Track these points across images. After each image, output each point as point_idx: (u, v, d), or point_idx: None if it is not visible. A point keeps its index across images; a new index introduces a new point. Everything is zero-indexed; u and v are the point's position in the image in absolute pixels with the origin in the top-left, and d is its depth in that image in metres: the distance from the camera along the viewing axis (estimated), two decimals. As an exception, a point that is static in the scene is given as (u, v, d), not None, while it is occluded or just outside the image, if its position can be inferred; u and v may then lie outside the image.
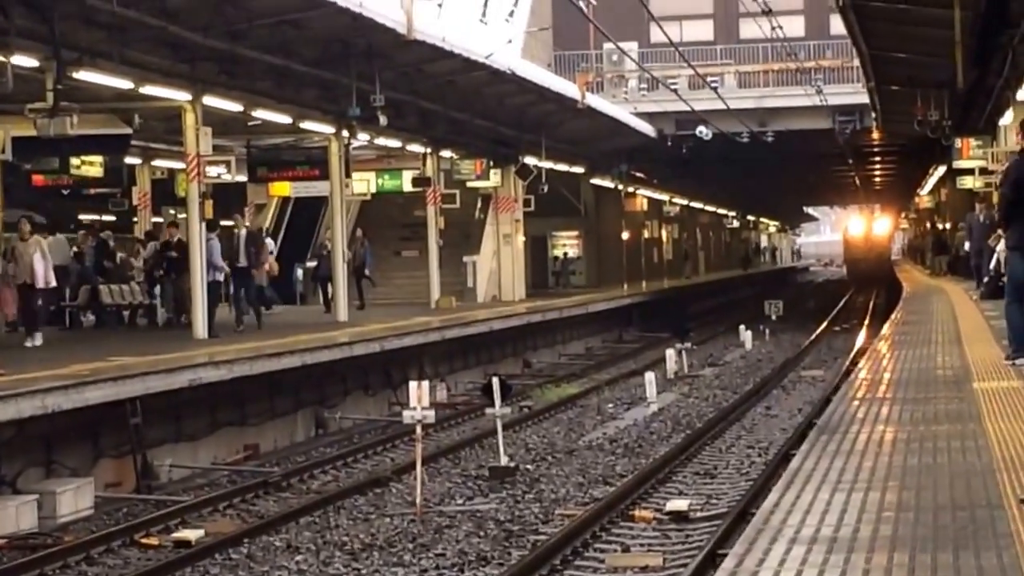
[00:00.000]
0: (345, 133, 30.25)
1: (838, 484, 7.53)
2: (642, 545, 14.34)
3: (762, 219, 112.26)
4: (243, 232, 28.54)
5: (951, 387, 12.64)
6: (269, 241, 33.00)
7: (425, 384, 17.19)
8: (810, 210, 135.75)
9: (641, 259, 61.65)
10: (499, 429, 19.12)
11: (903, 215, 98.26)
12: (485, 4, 37.04)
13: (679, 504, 15.97)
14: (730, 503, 16.26)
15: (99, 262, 30.80)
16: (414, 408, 16.77)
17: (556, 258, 55.31)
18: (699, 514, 15.70)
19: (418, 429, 16.95)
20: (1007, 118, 30.59)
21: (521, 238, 43.46)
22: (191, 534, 15.40)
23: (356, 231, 36.74)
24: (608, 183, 53.14)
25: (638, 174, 54.78)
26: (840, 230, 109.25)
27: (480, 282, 42.06)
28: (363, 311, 33.90)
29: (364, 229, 38.20)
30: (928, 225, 65.31)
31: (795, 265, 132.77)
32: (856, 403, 11.80)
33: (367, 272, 36.48)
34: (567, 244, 55.97)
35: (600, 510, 15.61)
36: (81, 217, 42.70)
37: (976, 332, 19.67)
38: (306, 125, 29.70)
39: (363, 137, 32.27)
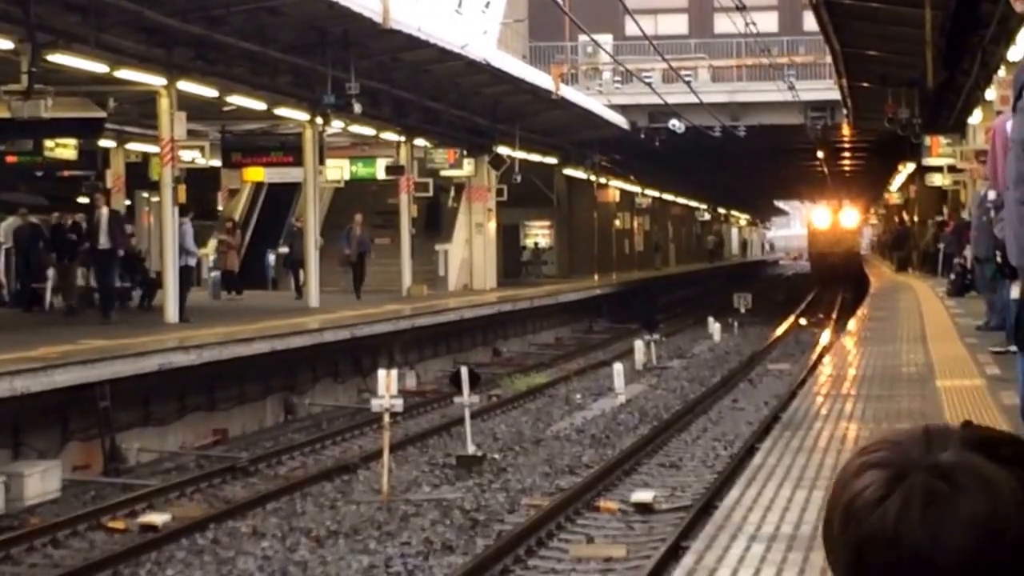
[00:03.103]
0: (319, 120, 30.28)
1: (800, 481, 7.65)
2: (606, 536, 14.45)
3: (733, 212, 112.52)
4: (104, 211, 25.79)
5: (914, 385, 12.78)
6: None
7: (394, 373, 17.29)
8: (781, 204, 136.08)
9: (612, 250, 61.78)
10: (467, 418, 19.22)
11: (873, 210, 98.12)
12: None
13: (644, 495, 16.08)
14: (695, 495, 16.37)
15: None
16: (382, 396, 16.85)
17: (525, 247, 55.37)
18: (664, 506, 15.81)
19: (386, 417, 17.04)
20: (976, 117, 30.82)
21: (492, 225, 43.53)
22: (158, 518, 15.46)
23: (356, 216, 36.00)
24: (581, 174, 53.26)
25: (611, 165, 54.89)
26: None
27: (451, 271, 42.13)
28: (335, 298, 33.84)
29: (336, 216, 38.18)
30: (897, 220, 65.49)
31: (765, 259, 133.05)
32: (820, 399, 11.94)
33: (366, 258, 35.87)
34: (539, 234, 56.05)
35: (566, 500, 15.71)
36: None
37: (941, 330, 19.83)
38: (281, 112, 29.74)
39: (337, 124, 32.30)
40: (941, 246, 37.21)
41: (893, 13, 25.45)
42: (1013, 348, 16.05)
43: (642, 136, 48.56)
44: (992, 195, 12.47)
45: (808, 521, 6.54)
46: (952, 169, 37.86)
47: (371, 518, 15.46)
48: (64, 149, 27.72)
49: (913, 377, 13.57)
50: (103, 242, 25.24)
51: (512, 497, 16.65)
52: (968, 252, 23.42)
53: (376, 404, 17.15)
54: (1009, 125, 8.30)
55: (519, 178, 43.37)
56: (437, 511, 15.78)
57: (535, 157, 46.02)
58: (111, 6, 21.32)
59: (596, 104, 45.49)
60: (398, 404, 17.24)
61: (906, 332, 20.22)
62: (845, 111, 43.46)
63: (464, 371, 19.02)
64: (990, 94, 27.36)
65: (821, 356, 28.61)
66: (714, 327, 40.13)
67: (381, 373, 17.16)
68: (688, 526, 13.79)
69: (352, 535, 14.62)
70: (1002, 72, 24.54)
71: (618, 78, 49.29)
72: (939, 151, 37.15)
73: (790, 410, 11.46)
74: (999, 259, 8.62)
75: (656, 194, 69.16)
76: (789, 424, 10.21)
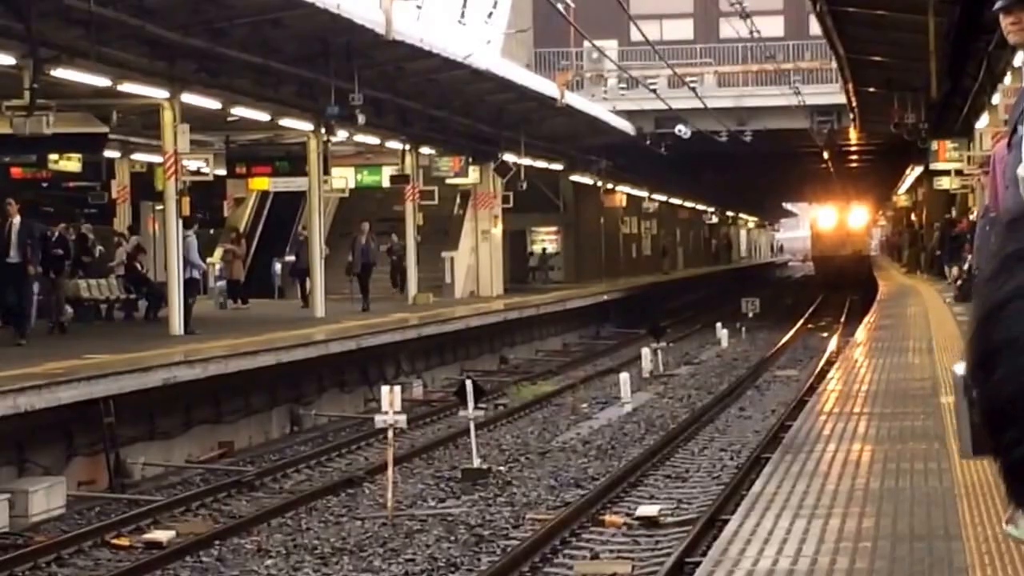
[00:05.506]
0: (324, 131, 30.26)
1: (799, 510, 7.59)
2: (611, 551, 14.39)
3: (741, 215, 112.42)
4: (16, 221, 23.32)
5: (919, 402, 12.72)
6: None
7: (397, 389, 17.23)
8: (789, 206, 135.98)
9: (620, 255, 61.76)
10: (472, 432, 19.16)
11: (880, 212, 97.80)
12: (464, 6, 37.12)
13: (649, 509, 16.01)
14: (701, 508, 16.31)
15: (78, 256, 30.68)
16: (386, 412, 16.81)
17: (532, 253, 55.41)
18: (669, 519, 15.74)
19: (390, 434, 17.00)
20: (983, 122, 30.78)
21: (495, 231, 43.47)
22: (162, 535, 15.42)
23: (362, 224, 35.54)
24: (587, 180, 53.24)
25: (617, 170, 54.84)
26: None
27: (458, 278, 42.11)
28: (341, 306, 33.79)
29: (341, 225, 38.11)
30: (905, 223, 65.34)
31: (774, 260, 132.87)
32: (823, 418, 11.88)
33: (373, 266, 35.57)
34: (546, 240, 56.06)
35: (571, 515, 15.66)
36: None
37: (948, 339, 19.76)
38: (285, 122, 29.72)
39: (342, 134, 32.29)
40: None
41: (897, 20, 25.40)
42: None
43: (648, 142, 48.55)
44: None
45: (806, 554, 6.50)
46: (960, 173, 37.81)
47: (376, 535, 15.41)
48: (69, 161, 27.72)
49: (919, 392, 13.51)
50: (13, 256, 23.20)
51: (517, 511, 16.60)
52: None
53: (380, 420, 17.12)
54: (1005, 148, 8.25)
55: (524, 185, 43.36)
56: (442, 527, 15.72)
57: (541, 163, 46.00)
58: (113, 20, 21.29)
59: (601, 110, 45.49)
60: (402, 420, 17.17)
61: (913, 342, 20.15)
62: (851, 115, 43.41)
63: (469, 384, 18.97)
64: (996, 99, 27.32)
65: (829, 362, 28.59)
66: (721, 333, 40.09)
67: (384, 390, 17.12)
68: (693, 541, 13.74)
69: (357, 552, 14.58)
70: (1008, 78, 24.49)
71: (623, 84, 49.26)
72: (946, 155, 37.11)
73: (793, 430, 11.41)
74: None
75: (663, 198, 69.09)
76: (791, 446, 10.16)
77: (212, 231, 40.24)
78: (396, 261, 38.19)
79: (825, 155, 60.57)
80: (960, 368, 2.84)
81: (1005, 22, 5.98)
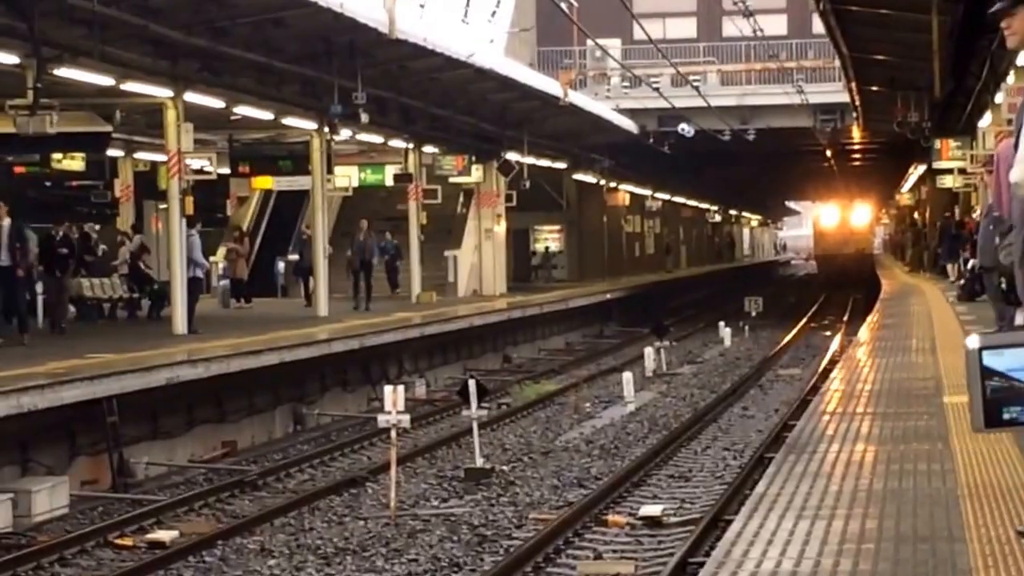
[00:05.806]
0: (327, 130, 30.26)
1: (802, 511, 7.59)
2: (615, 551, 14.39)
3: (744, 213, 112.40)
4: (5, 224, 22.92)
5: (922, 401, 12.70)
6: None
7: (400, 389, 17.22)
8: (792, 204, 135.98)
9: (623, 253, 61.77)
10: (475, 432, 19.17)
11: (883, 211, 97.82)
12: (467, 5, 37.21)
13: (653, 509, 16.01)
14: (704, 508, 16.30)
15: (81, 255, 30.65)
16: (389, 412, 16.81)
17: (535, 252, 55.42)
18: (673, 519, 15.73)
19: (393, 434, 16.99)
20: (985, 120, 30.78)
21: (498, 230, 43.45)
22: (165, 535, 15.42)
23: (361, 222, 35.47)
24: (590, 178, 53.25)
25: (620, 169, 54.85)
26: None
27: (461, 276, 42.12)
28: (344, 305, 33.78)
29: (345, 224, 38.07)
30: (909, 222, 65.30)
31: (777, 259, 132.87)
32: (827, 418, 11.87)
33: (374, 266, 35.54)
34: (549, 238, 56.08)
35: (574, 514, 15.66)
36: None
37: (950, 338, 19.74)
38: (288, 121, 29.72)
39: (345, 133, 32.31)
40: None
41: (901, 19, 25.41)
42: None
43: (651, 140, 48.54)
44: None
45: (810, 556, 6.50)
46: (963, 171, 37.84)
47: (379, 534, 15.41)
48: (72, 160, 27.74)
49: (922, 392, 13.49)
50: (4, 259, 22.80)
51: (520, 511, 16.59)
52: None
53: (383, 420, 17.11)
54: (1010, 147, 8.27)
55: (527, 183, 43.36)
56: (445, 527, 15.72)
57: (544, 162, 46.00)
58: (116, 19, 21.31)
59: (605, 109, 45.49)
60: (405, 420, 17.17)
61: (916, 341, 20.14)
62: (854, 114, 43.41)
63: (472, 384, 18.96)
64: (999, 98, 27.30)
65: (832, 361, 28.57)
66: (724, 331, 40.09)
67: (388, 389, 17.12)
68: (696, 541, 13.73)
69: (360, 552, 14.57)
70: (1011, 77, 24.48)
71: (626, 83, 49.25)
72: (949, 154, 37.14)
73: (796, 431, 11.40)
74: (1004, 286, 8.57)
75: (666, 197, 69.09)
76: (794, 446, 10.15)
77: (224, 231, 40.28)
78: (389, 261, 38.04)
79: (828, 153, 60.62)
80: (973, 341, 2.81)
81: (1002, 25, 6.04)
